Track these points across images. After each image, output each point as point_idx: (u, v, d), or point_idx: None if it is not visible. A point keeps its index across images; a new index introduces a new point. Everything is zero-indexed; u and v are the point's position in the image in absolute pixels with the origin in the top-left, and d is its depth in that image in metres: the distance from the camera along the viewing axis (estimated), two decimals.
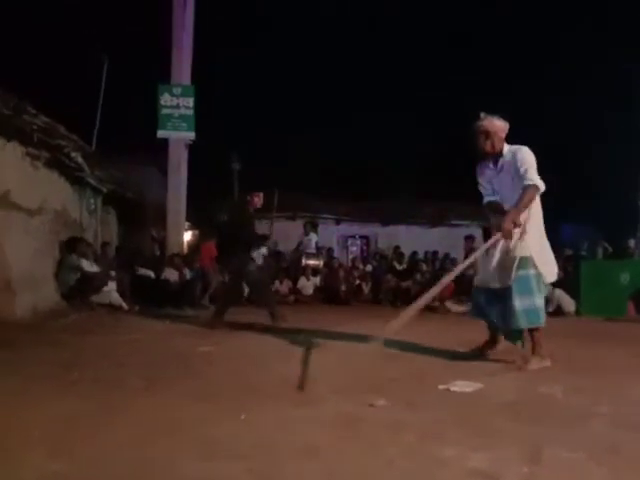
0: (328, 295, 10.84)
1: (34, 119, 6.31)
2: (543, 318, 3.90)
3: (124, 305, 7.87)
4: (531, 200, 3.87)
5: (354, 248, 18.05)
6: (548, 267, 4.05)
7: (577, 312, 8.43)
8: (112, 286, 8.00)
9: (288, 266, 11.81)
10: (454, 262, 11.02)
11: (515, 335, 4.11)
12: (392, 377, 3.56)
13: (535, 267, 3.93)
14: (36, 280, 6.72)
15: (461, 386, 3.23)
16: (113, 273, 8.14)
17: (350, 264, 13.23)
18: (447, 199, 17.26)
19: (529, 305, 3.88)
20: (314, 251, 12.35)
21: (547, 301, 8.52)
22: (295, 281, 11.18)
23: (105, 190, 9.73)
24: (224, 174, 15.62)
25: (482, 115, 4.05)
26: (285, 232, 13.35)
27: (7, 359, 3.79)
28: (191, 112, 10.98)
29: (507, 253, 3.93)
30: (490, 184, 4.20)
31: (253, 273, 6.37)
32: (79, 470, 1.92)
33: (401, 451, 2.14)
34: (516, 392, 3.16)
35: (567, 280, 8.82)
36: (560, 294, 8.48)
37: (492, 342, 4.27)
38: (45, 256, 7.20)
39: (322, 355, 4.32)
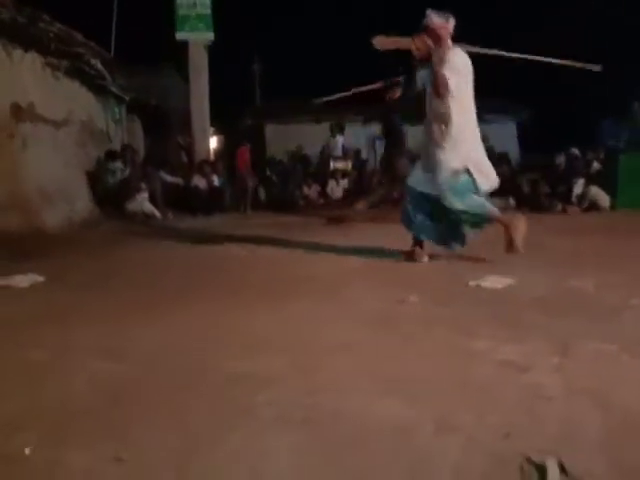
0: (358, 198, 10.77)
1: (50, 27, 6.14)
2: (486, 214, 3.79)
3: (157, 213, 8.01)
4: (444, 83, 3.69)
5: (382, 149, 17.68)
6: (483, 176, 3.81)
7: (612, 207, 8.25)
8: (144, 195, 8.12)
9: (315, 170, 11.72)
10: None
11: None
12: (423, 276, 3.61)
13: (470, 174, 3.74)
14: (68, 191, 6.84)
15: (492, 282, 3.24)
16: (143, 185, 8.23)
17: (379, 165, 13.03)
18: (477, 96, 16.55)
19: (469, 208, 3.75)
20: (341, 154, 12.15)
21: (582, 197, 8.39)
22: (323, 185, 11.12)
23: (128, 98, 9.62)
24: (245, 76, 15.15)
25: (427, 12, 3.72)
26: (310, 135, 13.14)
27: (46, 269, 3.88)
28: (208, 11, 10.58)
29: (441, 163, 3.75)
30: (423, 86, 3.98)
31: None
32: (128, 369, 2.03)
33: (433, 345, 2.20)
34: (547, 287, 3.16)
35: (604, 173, 8.57)
36: (596, 191, 8.25)
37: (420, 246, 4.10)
38: (74, 167, 7.28)
39: (352, 256, 4.37)
